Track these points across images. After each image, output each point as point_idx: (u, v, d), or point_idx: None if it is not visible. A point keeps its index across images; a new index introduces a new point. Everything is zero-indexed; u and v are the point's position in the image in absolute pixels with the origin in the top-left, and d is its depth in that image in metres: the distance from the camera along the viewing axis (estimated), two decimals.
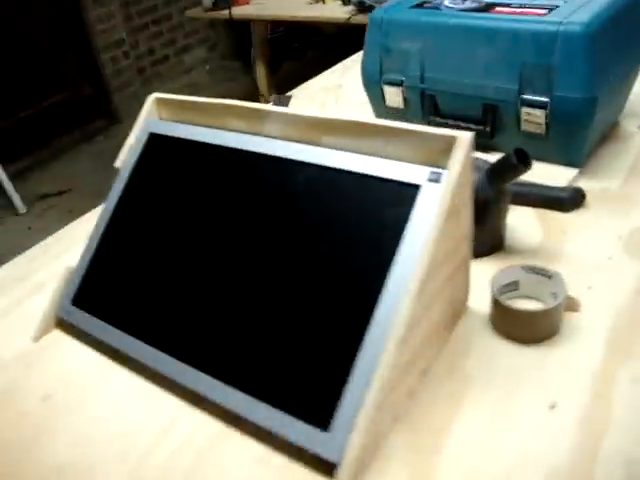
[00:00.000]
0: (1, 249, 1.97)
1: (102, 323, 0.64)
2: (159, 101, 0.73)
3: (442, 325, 0.57)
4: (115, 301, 0.64)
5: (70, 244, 0.83)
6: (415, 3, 0.90)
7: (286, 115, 0.61)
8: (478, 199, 0.65)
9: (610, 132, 0.91)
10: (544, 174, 0.81)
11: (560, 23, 0.74)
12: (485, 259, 0.69)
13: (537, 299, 0.62)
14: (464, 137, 0.50)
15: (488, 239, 0.70)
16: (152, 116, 0.73)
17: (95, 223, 0.70)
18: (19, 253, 0.86)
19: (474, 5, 0.84)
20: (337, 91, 1.27)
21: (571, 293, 0.61)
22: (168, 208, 0.66)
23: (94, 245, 0.69)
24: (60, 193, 2.56)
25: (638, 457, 0.46)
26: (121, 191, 0.70)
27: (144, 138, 0.71)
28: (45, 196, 2.55)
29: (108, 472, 0.52)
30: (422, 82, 0.88)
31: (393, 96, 0.93)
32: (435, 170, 0.51)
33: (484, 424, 0.51)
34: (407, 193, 0.51)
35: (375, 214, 0.53)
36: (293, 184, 0.58)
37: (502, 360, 0.56)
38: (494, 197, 0.67)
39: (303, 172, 0.58)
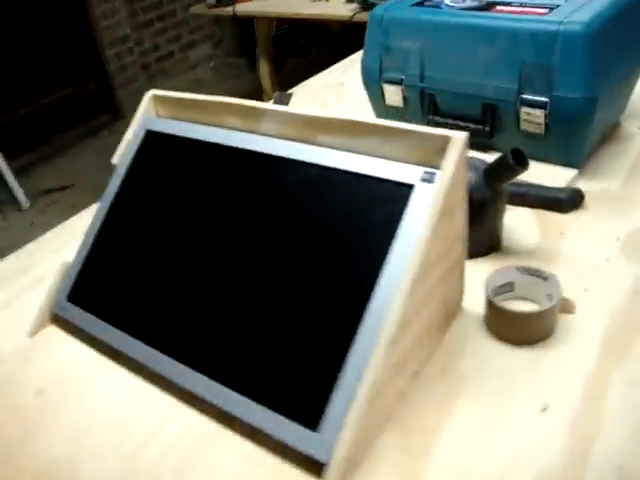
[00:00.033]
0: (3, 244, 1.98)
1: (96, 320, 0.64)
2: (156, 98, 0.73)
3: (435, 326, 0.56)
4: (110, 298, 0.65)
5: (69, 239, 0.83)
6: (416, 1, 0.90)
7: (282, 113, 0.61)
8: (474, 199, 0.65)
9: (611, 133, 0.91)
10: (543, 174, 0.80)
11: (560, 22, 0.74)
12: (481, 259, 0.69)
13: (532, 300, 0.62)
14: (458, 137, 0.50)
15: (484, 239, 0.69)
16: (149, 113, 0.73)
17: (91, 219, 0.70)
18: (21, 248, 0.86)
19: (475, 4, 0.83)
20: (338, 89, 1.26)
21: (567, 295, 0.61)
22: (164, 206, 0.66)
23: (90, 241, 0.69)
24: (63, 188, 2.57)
25: (629, 461, 0.46)
26: (118, 188, 0.70)
27: (141, 135, 0.71)
28: (48, 191, 2.56)
29: (99, 467, 0.52)
30: (422, 81, 0.88)
31: (393, 95, 0.93)
32: (428, 170, 0.51)
33: (476, 426, 0.50)
34: (401, 193, 0.51)
35: (368, 213, 0.53)
36: (287, 183, 0.58)
37: (495, 361, 0.56)
38: (491, 197, 0.66)
39: (298, 171, 0.58)
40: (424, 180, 0.50)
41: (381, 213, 0.52)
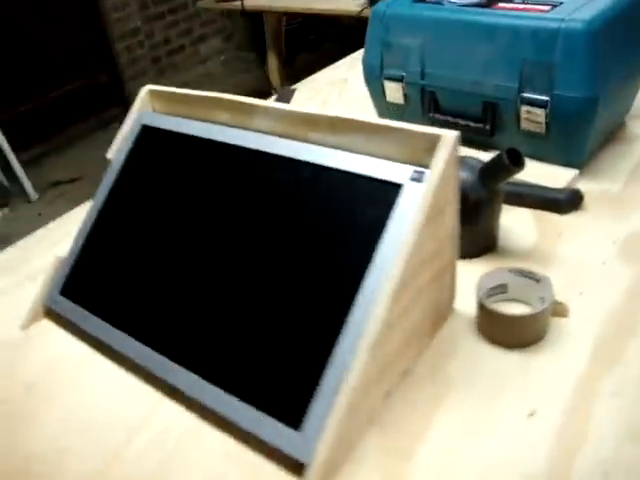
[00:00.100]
0: (11, 235, 1.99)
1: (88, 314, 0.64)
2: (152, 93, 0.73)
3: (424, 327, 0.56)
4: (101, 293, 0.65)
5: (66, 233, 0.83)
6: None
7: (273, 110, 0.60)
8: (470, 199, 0.64)
9: (615, 133, 0.89)
10: (543, 174, 0.79)
11: (562, 20, 0.72)
12: (476, 260, 0.68)
13: (525, 303, 0.61)
14: (449, 136, 0.49)
15: (480, 240, 0.69)
16: (145, 108, 0.73)
17: (86, 213, 0.71)
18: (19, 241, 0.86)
19: (476, 0, 0.82)
20: (342, 85, 1.25)
21: (561, 298, 0.60)
22: (157, 201, 0.66)
23: (83, 236, 0.69)
24: (72, 180, 2.58)
25: (615, 470, 0.45)
26: (112, 183, 0.70)
27: (136, 130, 0.71)
28: (57, 183, 2.57)
29: (81, 462, 0.52)
30: (422, 78, 0.87)
31: (393, 92, 0.92)
32: (418, 169, 0.50)
33: (461, 430, 0.50)
34: (390, 192, 0.51)
35: (357, 212, 0.52)
36: (277, 180, 0.58)
37: (485, 365, 0.55)
38: (486, 197, 0.65)
39: (287, 168, 0.57)
40: (413, 179, 0.50)
41: (370, 212, 0.51)
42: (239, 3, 2.30)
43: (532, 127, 0.79)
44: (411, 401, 0.53)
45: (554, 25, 0.72)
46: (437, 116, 0.88)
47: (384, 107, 0.96)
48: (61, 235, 0.84)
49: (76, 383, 0.60)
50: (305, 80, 1.34)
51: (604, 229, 0.71)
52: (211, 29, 3.66)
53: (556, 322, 0.59)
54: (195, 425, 0.53)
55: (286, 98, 1.19)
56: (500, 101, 0.80)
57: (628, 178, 0.79)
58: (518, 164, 0.61)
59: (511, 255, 0.69)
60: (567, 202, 0.74)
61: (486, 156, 0.66)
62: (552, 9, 0.76)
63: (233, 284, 0.56)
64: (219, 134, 0.64)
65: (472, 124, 0.85)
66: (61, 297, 0.67)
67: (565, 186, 0.78)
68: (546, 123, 0.77)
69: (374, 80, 0.94)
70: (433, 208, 0.49)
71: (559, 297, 0.60)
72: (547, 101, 0.75)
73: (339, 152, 0.55)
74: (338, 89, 1.24)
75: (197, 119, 0.67)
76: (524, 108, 0.78)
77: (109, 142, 0.72)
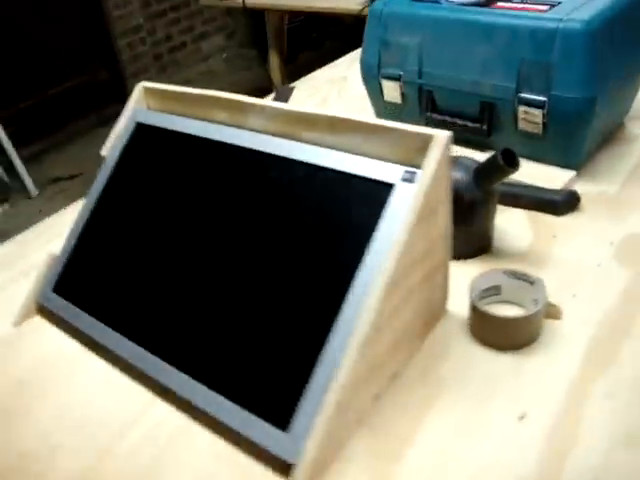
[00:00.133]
0: (11, 231, 1.99)
1: (80, 311, 0.64)
2: (147, 90, 0.73)
3: (415, 328, 0.55)
4: (93, 290, 0.64)
5: (60, 231, 0.83)
6: None
7: (267, 109, 0.60)
8: (464, 200, 0.64)
9: (613, 134, 0.88)
10: (540, 175, 0.79)
11: (560, 20, 0.72)
12: (470, 261, 0.68)
13: (519, 305, 0.60)
14: (441, 136, 0.49)
15: (474, 240, 0.68)
16: (140, 105, 0.73)
17: (79, 211, 0.70)
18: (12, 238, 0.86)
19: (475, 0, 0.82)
20: (341, 84, 1.25)
21: (555, 300, 0.60)
22: (150, 200, 0.65)
23: (76, 234, 0.69)
24: (72, 177, 2.58)
25: (606, 476, 0.45)
26: (105, 180, 0.70)
27: (131, 127, 0.71)
28: (57, 180, 2.57)
29: (73, 459, 0.52)
30: (420, 77, 0.86)
31: (391, 91, 0.91)
32: (409, 169, 0.50)
33: (451, 432, 0.49)
34: (381, 192, 0.50)
35: (348, 212, 0.52)
36: (270, 179, 0.57)
37: (477, 367, 0.55)
38: (481, 198, 0.65)
39: (280, 167, 0.57)
40: (405, 180, 0.49)
41: (361, 212, 0.51)
42: (240, 1, 2.30)
43: (529, 127, 0.79)
44: (401, 403, 0.52)
45: (552, 25, 0.72)
46: (434, 116, 0.88)
47: (382, 106, 0.96)
48: (56, 232, 0.83)
49: (68, 380, 0.60)
50: (304, 78, 1.34)
51: (600, 231, 0.70)
52: (213, 27, 3.65)
53: (549, 324, 0.58)
54: (186, 425, 0.53)
55: (284, 96, 1.19)
56: (497, 101, 0.80)
57: (626, 179, 0.79)
58: (513, 165, 0.61)
59: (506, 256, 0.68)
60: (563, 203, 0.74)
61: (483, 156, 0.66)
62: (550, 9, 0.76)
63: (224, 283, 0.56)
64: (213, 132, 0.63)
65: (469, 124, 0.85)
66: (54, 294, 0.67)
67: (562, 187, 0.77)
68: (543, 124, 0.77)
69: (372, 79, 0.93)
70: (424, 208, 0.49)
71: (553, 299, 0.59)
72: (544, 101, 0.75)
73: (332, 152, 0.54)
74: (337, 87, 1.23)
75: (192, 117, 0.67)
76: (521, 108, 0.78)
77: None
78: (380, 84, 0.92)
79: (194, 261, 0.58)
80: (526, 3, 0.79)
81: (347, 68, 1.35)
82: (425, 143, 0.49)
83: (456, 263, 0.67)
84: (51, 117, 2.84)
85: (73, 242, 0.68)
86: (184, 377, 0.54)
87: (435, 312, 0.59)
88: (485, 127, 0.83)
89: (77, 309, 0.64)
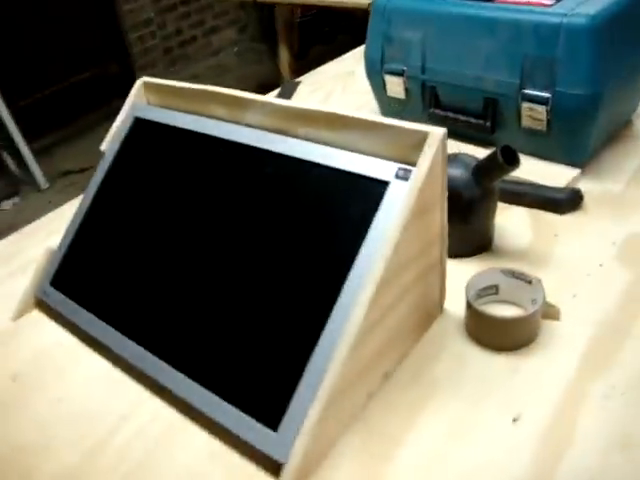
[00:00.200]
0: (21, 224, 2.00)
1: (77, 306, 0.64)
2: (147, 85, 0.72)
3: (409, 327, 0.55)
4: (90, 285, 0.64)
5: (61, 225, 0.83)
6: None
7: (265, 104, 0.59)
8: (463, 197, 0.63)
9: (620, 131, 0.87)
10: (543, 173, 0.78)
11: (564, 15, 0.70)
12: (469, 259, 0.67)
13: (517, 305, 0.60)
14: (436, 133, 0.48)
15: (474, 239, 0.67)
16: (140, 100, 0.73)
17: (78, 205, 0.70)
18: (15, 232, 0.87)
19: None
20: (347, 79, 1.24)
21: (554, 300, 0.59)
22: (147, 194, 0.65)
23: (75, 228, 0.69)
24: (82, 170, 2.59)
25: (601, 477, 0.44)
26: (104, 175, 0.70)
27: (129, 122, 0.71)
28: (67, 173, 2.59)
29: (63, 454, 0.52)
30: (423, 73, 0.85)
31: (394, 86, 0.91)
32: (403, 167, 0.49)
33: (444, 432, 0.49)
34: (375, 189, 0.50)
35: (342, 210, 0.51)
36: (266, 175, 0.57)
37: (472, 367, 0.54)
38: (480, 195, 0.64)
39: (276, 163, 0.56)
40: (399, 177, 0.49)
41: (355, 210, 0.50)
42: None
43: (533, 124, 0.78)
44: (394, 402, 0.52)
45: (556, 20, 0.71)
46: (437, 112, 0.87)
47: (385, 102, 0.95)
48: (55, 227, 0.83)
49: (61, 376, 0.60)
50: (311, 73, 1.33)
51: (603, 230, 0.69)
52: (224, 20, 3.64)
53: (548, 325, 0.57)
54: (179, 422, 0.53)
55: (289, 91, 1.18)
56: (501, 97, 0.79)
57: (631, 178, 0.77)
58: (513, 162, 0.60)
59: (506, 255, 0.67)
60: (566, 202, 0.72)
61: (485, 153, 0.65)
62: (556, 3, 0.74)
63: (218, 281, 0.55)
64: (210, 128, 0.63)
65: (473, 120, 0.83)
66: (51, 288, 0.67)
67: (565, 185, 0.76)
68: (547, 120, 0.76)
69: (375, 74, 0.93)
70: (419, 206, 0.48)
71: (552, 299, 0.58)
72: (548, 98, 0.74)
73: (327, 148, 0.54)
74: (343, 82, 1.22)
75: (191, 112, 0.67)
76: (525, 105, 0.76)
77: None
78: (383, 79, 0.91)
79: (189, 258, 0.58)
80: None
81: (353, 63, 1.33)
82: (420, 140, 0.49)
83: (455, 261, 0.66)
84: (61, 110, 2.85)
85: (71, 236, 0.69)
86: (179, 375, 0.53)
87: (431, 311, 0.58)
88: (488, 123, 0.82)
89: (74, 304, 0.65)
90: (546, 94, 0.74)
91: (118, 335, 0.59)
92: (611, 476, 0.45)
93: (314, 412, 0.44)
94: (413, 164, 0.49)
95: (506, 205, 0.74)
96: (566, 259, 0.66)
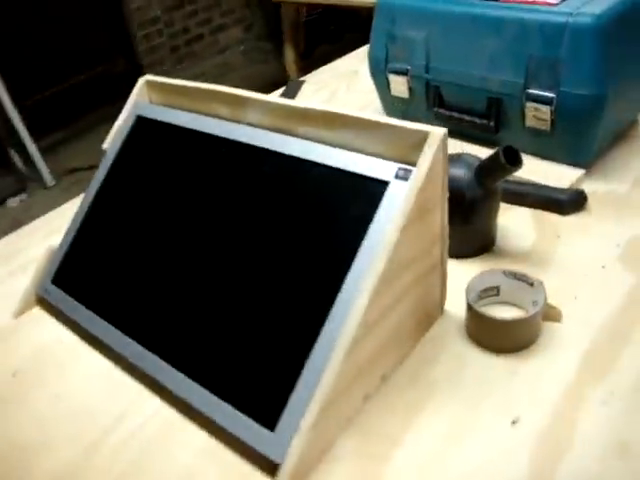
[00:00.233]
0: (26, 220, 2.01)
1: (77, 304, 0.64)
2: (149, 84, 0.72)
3: (408, 328, 0.55)
4: (91, 283, 0.65)
5: (63, 224, 0.83)
6: None
7: (265, 103, 0.59)
8: (466, 197, 0.63)
9: (626, 131, 0.86)
10: (547, 173, 0.77)
11: (570, 14, 0.70)
12: (472, 260, 0.67)
13: (518, 306, 0.59)
14: (437, 133, 0.47)
15: (476, 239, 0.67)
16: (142, 98, 0.73)
17: (80, 203, 0.71)
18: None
19: None
20: (351, 78, 1.23)
21: (556, 302, 0.58)
22: (148, 193, 0.65)
23: (76, 226, 0.69)
24: (89, 168, 2.60)
25: None
26: (106, 173, 0.70)
27: (131, 120, 0.71)
28: (74, 170, 2.59)
29: (61, 450, 0.52)
30: (427, 72, 0.85)
31: (398, 85, 0.90)
32: (403, 167, 0.48)
33: (441, 434, 0.49)
34: (375, 190, 0.49)
35: (342, 210, 0.51)
36: (266, 174, 0.57)
37: (471, 369, 0.54)
38: (483, 196, 0.63)
39: (275, 162, 0.56)
40: (398, 177, 0.48)
41: (354, 210, 0.50)
42: None
43: (537, 124, 0.77)
44: (392, 404, 0.51)
45: (561, 19, 0.70)
46: (441, 111, 0.86)
47: (389, 101, 0.95)
48: (56, 226, 0.83)
49: (60, 374, 0.60)
50: (315, 72, 1.33)
51: (607, 231, 0.68)
52: (231, 19, 3.64)
53: (548, 327, 0.57)
54: (176, 420, 0.53)
55: (293, 90, 1.18)
56: (505, 97, 0.78)
57: (637, 178, 0.77)
58: (515, 163, 0.59)
59: (508, 255, 0.67)
60: (569, 203, 0.72)
61: (488, 153, 0.65)
62: (562, 2, 0.74)
63: (217, 280, 0.55)
64: (211, 127, 0.63)
65: (477, 120, 0.83)
66: (52, 286, 0.68)
67: (569, 186, 0.75)
68: (552, 121, 0.75)
69: (379, 73, 0.92)
70: (419, 207, 0.48)
71: (554, 301, 0.58)
72: (553, 98, 0.73)
73: (326, 147, 0.53)
74: (347, 81, 1.22)
75: (193, 111, 0.67)
76: (529, 105, 0.76)
77: None
78: (387, 79, 0.91)
79: (190, 257, 0.58)
80: None
81: (358, 62, 1.33)
82: (421, 140, 0.48)
83: (457, 262, 0.66)
84: (68, 108, 2.86)
85: (72, 234, 0.69)
86: (178, 374, 0.53)
87: (431, 312, 0.58)
88: (492, 123, 0.81)
89: (75, 302, 0.65)
90: (550, 94, 0.73)
91: (118, 333, 0.59)
92: None
93: (311, 413, 0.44)
94: (413, 164, 0.49)
95: (509, 205, 0.73)
96: (568, 260, 0.65)
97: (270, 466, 0.46)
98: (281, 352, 0.48)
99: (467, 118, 0.84)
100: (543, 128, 0.77)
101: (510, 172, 0.60)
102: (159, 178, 0.65)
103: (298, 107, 0.56)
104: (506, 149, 0.60)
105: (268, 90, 1.24)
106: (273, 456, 0.45)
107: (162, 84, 0.71)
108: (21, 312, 0.69)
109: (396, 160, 0.50)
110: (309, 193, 0.53)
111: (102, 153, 0.72)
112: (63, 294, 0.66)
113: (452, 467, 0.46)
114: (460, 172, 0.63)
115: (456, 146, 0.85)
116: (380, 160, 0.50)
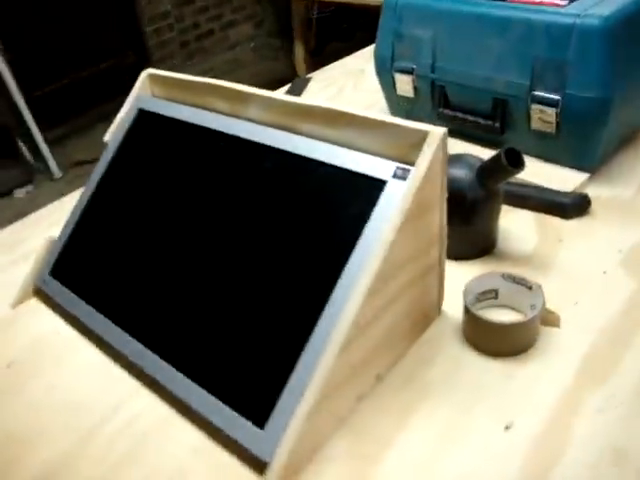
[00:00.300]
0: (32, 212, 2.02)
1: (74, 296, 0.64)
2: (152, 77, 0.72)
3: (403, 329, 0.54)
4: (88, 276, 0.64)
5: (65, 215, 0.83)
6: None
7: (266, 99, 0.59)
8: (467, 199, 0.62)
9: (633, 136, 0.85)
10: (551, 176, 0.76)
11: (578, 16, 0.69)
12: (472, 262, 0.66)
13: (516, 310, 0.58)
14: (436, 132, 0.47)
15: (476, 241, 0.66)
16: (145, 92, 0.72)
17: (80, 196, 0.70)
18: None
19: None
20: (358, 76, 1.23)
21: (555, 307, 0.57)
22: (148, 187, 0.65)
23: (75, 218, 0.69)
24: (96, 161, 2.61)
25: None
26: (106, 166, 0.70)
27: (133, 114, 0.71)
28: (81, 162, 2.60)
29: (51, 442, 0.52)
30: (433, 71, 0.84)
31: (404, 84, 0.89)
32: (402, 166, 0.48)
33: (433, 437, 0.48)
34: (373, 189, 0.49)
35: (339, 208, 0.50)
36: (264, 170, 0.56)
37: (467, 371, 0.53)
38: (484, 197, 0.63)
39: (274, 159, 0.56)
40: (396, 177, 0.48)
41: (352, 209, 0.49)
42: None
43: (542, 127, 0.76)
44: (385, 405, 0.51)
45: (569, 20, 0.69)
46: (446, 111, 0.86)
47: (394, 100, 0.94)
48: (59, 217, 0.83)
49: (55, 365, 0.60)
50: (324, 69, 1.32)
51: (610, 236, 0.68)
52: (241, 15, 3.64)
53: (547, 331, 0.56)
54: (168, 415, 0.53)
55: (299, 88, 1.17)
56: (511, 98, 0.77)
57: None
58: (517, 165, 0.59)
59: (509, 258, 0.66)
60: (573, 206, 0.71)
61: (492, 154, 0.64)
62: (569, 3, 0.73)
63: (213, 276, 0.55)
64: (211, 121, 0.63)
65: (482, 121, 0.82)
66: (50, 278, 0.68)
67: (573, 190, 0.74)
68: (557, 123, 0.74)
69: (385, 72, 0.92)
70: (417, 206, 0.47)
71: (553, 306, 0.57)
72: (558, 100, 0.72)
73: (325, 145, 0.53)
74: (354, 80, 1.21)
75: (195, 105, 0.66)
76: (535, 107, 0.75)
77: None
78: (393, 77, 0.90)
79: (187, 252, 0.58)
80: None
81: (365, 61, 1.32)
82: (420, 139, 0.48)
83: (456, 263, 0.65)
84: (76, 101, 2.87)
85: (71, 227, 0.69)
86: (170, 369, 0.53)
87: (428, 313, 0.58)
88: (497, 125, 0.81)
89: (72, 294, 0.65)
90: (556, 96, 0.72)
91: (113, 327, 0.59)
92: None
93: (302, 411, 0.44)
94: (413, 164, 0.48)
95: (511, 208, 0.73)
96: (570, 265, 0.64)
97: (259, 464, 0.46)
98: (273, 350, 0.48)
99: (472, 119, 0.83)
100: (548, 131, 0.76)
101: (512, 174, 0.59)
102: (160, 172, 0.65)
103: (298, 104, 0.55)
104: (508, 151, 0.59)
105: (277, 87, 1.23)
106: (262, 455, 0.45)
107: (164, 78, 0.70)
108: (19, 302, 0.69)
109: (396, 159, 0.49)
110: (308, 191, 0.53)
111: (104, 146, 0.72)
112: (61, 286, 0.66)
113: (444, 470, 0.46)
114: (461, 173, 0.62)
115: (460, 147, 0.84)
116: (379, 159, 0.50)
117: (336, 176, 0.51)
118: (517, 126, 0.79)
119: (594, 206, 0.72)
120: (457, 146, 0.84)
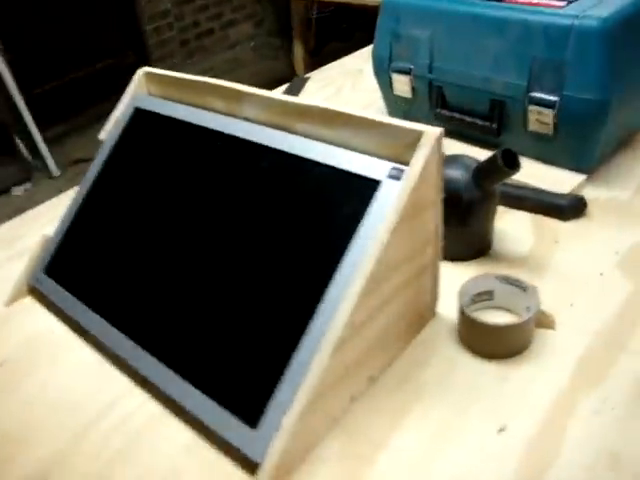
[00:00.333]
0: (29, 210, 2.01)
1: (68, 295, 0.64)
2: (148, 76, 0.72)
3: (398, 330, 0.54)
4: (83, 275, 0.64)
5: (61, 213, 0.83)
6: None
7: (262, 98, 0.58)
8: (463, 199, 0.62)
9: (631, 138, 0.85)
10: (548, 178, 0.76)
11: (576, 17, 0.69)
12: (467, 263, 0.66)
13: (512, 312, 0.58)
14: (431, 132, 0.47)
15: (472, 242, 0.66)
16: (141, 90, 0.72)
17: (75, 194, 0.70)
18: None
19: None
20: (356, 76, 1.23)
21: (551, 309, 0.57)
22: (143, 186, 0.65)
23: (70, 217, 0.69)
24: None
25: None
26: (102, 164, 0.70)
27: (129, 112, 0.70)
28: (79, 161, 2.60)
29: (45, 440, 0.52)
30: (430, 72, 0.84)
31: (401, 85, 0.89)
32: (396, 166, 0.48)
33: (426, 439, 0.48)
34: (367, 189, 0.49)
35: (334, 208, 0.50)
36: (260, 169, 0.56)
37: (461, 373, 0.53)
38: (480, 198, 0.63)
39: (270, 158, 0.55)
40: (391, 177, 0.48)
41: (346, 209, 0.49)
42: None
43: (540, 128, 0.76)
44: (378, 406, 0.51)
45: (567, 22, 0.69)
46: (444, 112, 0.86)
47: (392, 100, 0.94)
48: (55, 214, 0.83)
49: (48, 364, 0.60)
50: (322, 69, 1.32)
51: (606, 238, 0.67)
52: (241, 14, 3.64)
53: (542, 333, 0.56)
54: (161, 415, 0.53)
55: (297, 87, 1.17)
56: (508, 99, 0.77)
57: (638, 186, 0.75)
58: (513, 166, 0.59)
59: (504, 260, 0.66)
60: (569, 208, 0.71)
61: (488, 155, 0.64)
62: (568, 4, 0.73)
63: (207, 274, 0.55)
64: (207, 120, 0.62)
65: (479, 122, 0.82)
66: (45, 277, 0.67)
67: (570, 191, 0.74)
68: (554, 124, 0.74)
69: (382, 72, 0.91)
70: (412, 207, 0.47)
71: (549, 307, 0.57)
72: (556, 102, 0.72)
73: (321, 145, 0.53)
74: (352, 80, 1.21)
75: (191, 104, 0.66)
76: (532, 108, 0.75)
77: None
78: (390, 78, 0.90)
79: (181, 251, 0.58)
80: None
81: (364, 60, 1.32)
82: (415, 139, 0.47)
83: (452, 265, 0.65)
84: (75, 99, 2.86)
85: (66, 225, 0.68)
86: (163, 368, 0.53)
87: (422, 315, 0.57)
88: (495, 126, 0.80)
89: (66, 292, 0.64)
90: (554, 98, 0.72)
91: (107, 326, 0.59)
92: None
93: (294, 412, 0.44)
94: (408, 164, 0.48)
95: (507, 209, 0.73)
96: (566, 267, 0.64)
97: (251, 464, 0.46)
98: (266, 349, 0.48)
99: (469, 120, 0.83)
100: (545, 132, 0.76)
101: (508, 175, 0.59)
102: (155, 170, 0.65)
103: (294, 103, 0.55)
104: (504, 152, 0.59)
105: (276, 87, 1.23)
106: (254, 455, 0.45)
107: (160, 76, 0.70)
108: (13, 300, 0.68)
109: (391, 159, 0.49)
110: (303, 191, 0.52)
111: (99, 143, 0.72)
112: (55, 285, 0.66)
113: (437, 472, 0.45)
114: (457, 173, 0.62)
115: (457, 147, 0.84)
116: (374, 159, 0.49)
117: (331, 176, 0.51)
118: (514, 127, 0.79)
119: (591, 208, 0.72)
120: (454, 147, 0.84)
